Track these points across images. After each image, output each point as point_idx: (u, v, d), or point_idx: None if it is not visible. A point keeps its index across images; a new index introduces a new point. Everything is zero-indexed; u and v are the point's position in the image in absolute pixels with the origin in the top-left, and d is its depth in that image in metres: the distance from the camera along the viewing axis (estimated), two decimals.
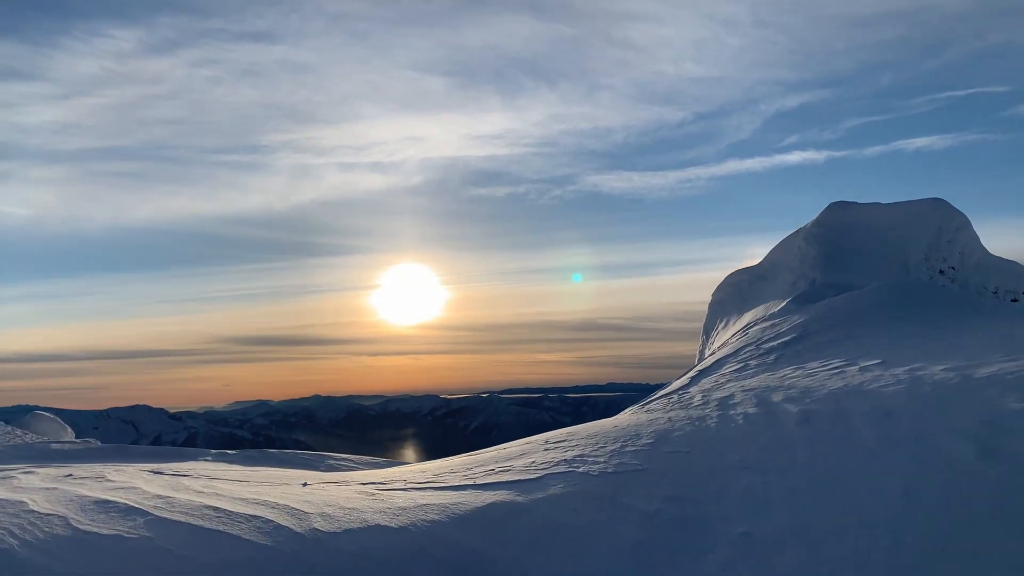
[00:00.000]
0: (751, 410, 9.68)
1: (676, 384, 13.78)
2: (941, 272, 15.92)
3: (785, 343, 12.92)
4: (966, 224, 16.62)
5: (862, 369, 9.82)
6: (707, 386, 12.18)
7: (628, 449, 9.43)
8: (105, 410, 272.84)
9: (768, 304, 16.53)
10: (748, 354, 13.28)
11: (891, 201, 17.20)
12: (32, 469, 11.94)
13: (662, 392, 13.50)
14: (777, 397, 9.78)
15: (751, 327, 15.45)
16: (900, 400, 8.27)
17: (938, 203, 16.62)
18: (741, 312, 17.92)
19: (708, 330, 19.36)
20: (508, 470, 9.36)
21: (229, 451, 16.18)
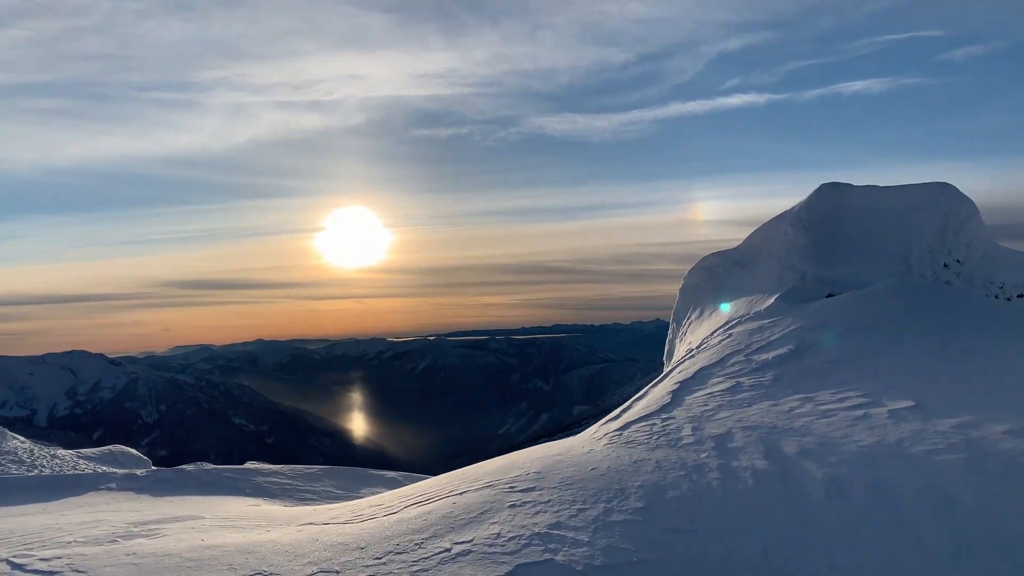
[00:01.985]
0: (760, 464, 8.02)
1: (655, 397, 12.09)
2: (945, 266, 14.44)
3: (782, 357, 11.26)
4: (974, 213, 15.10)
5: (893, 415, 8.20)
6: (695, 410, 10.51)
7: (616, 519, 7.71)
8: (41, 356, 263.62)
9: (751, 299, 14.86)
10: (738, 366, 11.62)
11: (887, 184, 15.60)
12: None
13: (640, 408, 11.80)
14: (791, 447, 8.13)
15: (734, 326, 13.79)
16: (959, 477, 6.66)
17: (945, 189, 15.06)
18: (718, 302, 16.26)
19: (679, 318, 17.71)
20: (468, 552, 7.55)
21: (138, 472, 14.06)
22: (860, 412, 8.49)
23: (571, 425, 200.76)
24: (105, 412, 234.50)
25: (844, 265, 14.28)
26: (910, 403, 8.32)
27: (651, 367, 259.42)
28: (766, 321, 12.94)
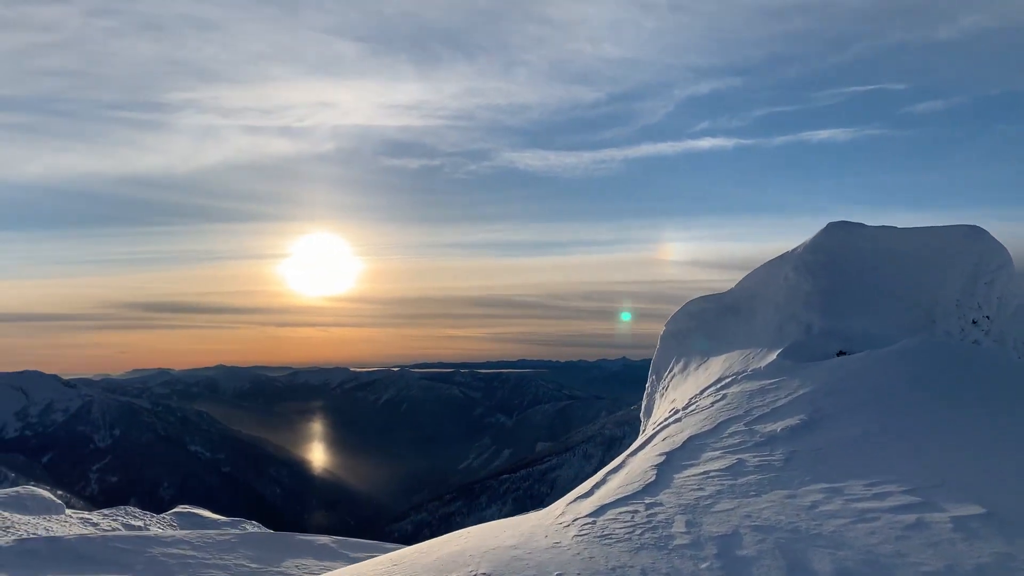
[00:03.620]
0: None
1: (636, 470, 9.99)
2: (974, 322, 12.63)
3: (792, 430, 9.25)
4: (1007, 262, 13.37)
5: (959, 525, 6.19)
6: (688, 495, 8.43)
7: None
8: None
9: (748, 352, 12.91)
10: (738, 438, 9.60)
11: (905, 225, 13.79)
12: None
13: (618, 484, 9.70)
14: (823, 565, 6.07)
15: (728, 384, 11.84)
16: None
17: (976, 233, 13.32)
18: (706, 354, 14.30)
19: (659, 370, 15.74)
20: None
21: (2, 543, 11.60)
22: (911, 517, 6.48)
23: (534, 462, 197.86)
24: (57, 435, 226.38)
25: (856, 317, 12.45)
26: (978, 509, 6.34)
27: (616, 405, 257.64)
28: (768, 382, 11.02)
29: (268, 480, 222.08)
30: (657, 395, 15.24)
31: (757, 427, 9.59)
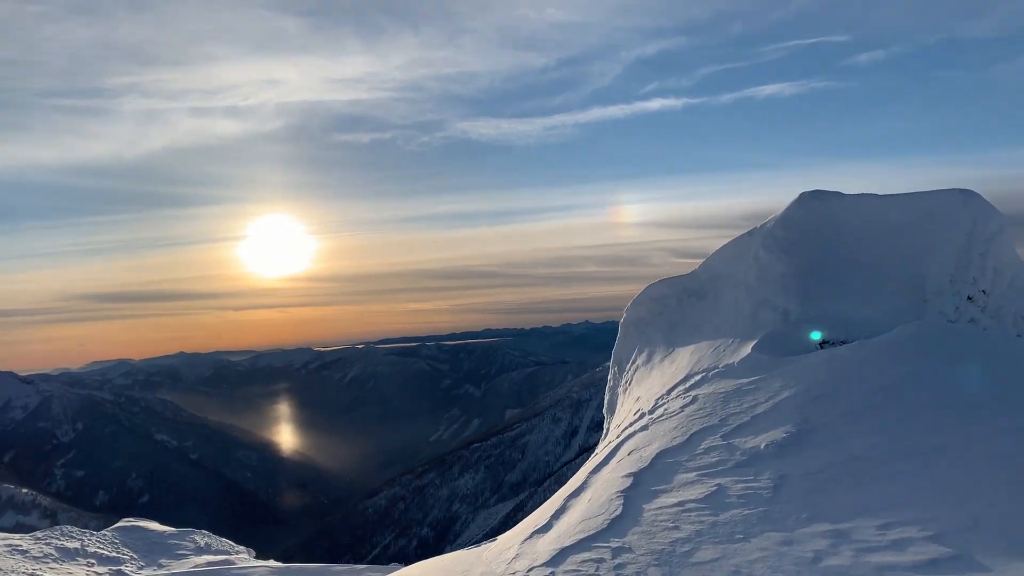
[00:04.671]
0: None
1: (599, 498, 8.57)
2: (969, 299, 11.34)
3: (778, 446, 7.86)
4: (1001, 228, 12.01)
5: None
6: (661, 538, 7.03)
7: None
8: None
9: (716, 344, 11.50)
10: (715, 456, 8.20)
11: (886, 191, 12.39)
12: None
13: (580, 517, 8.27)
14: None
15: (697, 383, 10.43)
16: None
17: (967, 197, 11.96)
18: (671, 344, 12.87)
19: (621, 361, 14.32)
20: None
21: None
22: None
23: (504, 429, 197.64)
24: (17, 433, 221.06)
25: (839, 300, 11.06)
26: None
27: (582, 368, 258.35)
28: (744, 381, 9.64)
29: (237, 465, 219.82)
30: (620, 390, 13.94)
31: (736, 441, 8.22)
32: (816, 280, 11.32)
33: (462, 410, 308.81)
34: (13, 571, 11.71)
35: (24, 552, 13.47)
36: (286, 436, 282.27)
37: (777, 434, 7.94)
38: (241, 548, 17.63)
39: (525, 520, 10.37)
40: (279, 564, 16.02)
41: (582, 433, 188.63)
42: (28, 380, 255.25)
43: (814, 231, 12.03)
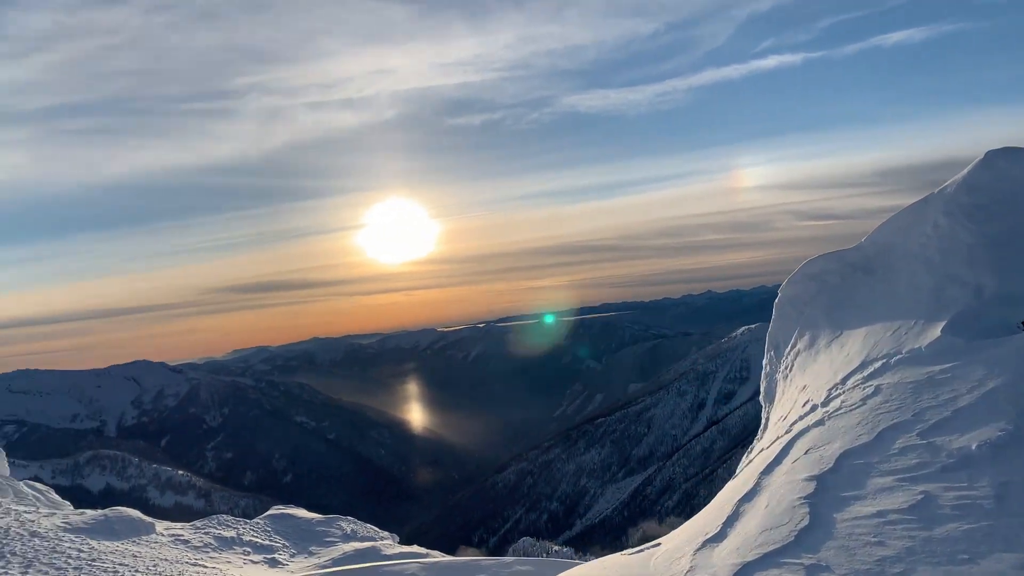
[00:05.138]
0: None
1: (777, 498, 7.84)
2: None
3: (993, 448, 6.84)
4: None
5: None
6: (864, 556, 6.25)
7: None
8: (106, 368, 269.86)
9: (895, 326, 10.39)
10: (913, 456, 7.27)
11: None
12: None
13: (759, 524, 7.58)
14: None
15: (879, 370, 9.42)
16: None
17: None
18: (837, 326, 11.77)
19: (778, 345, 13.27)
20: None
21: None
22: None
23: (628, 403, 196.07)
24: (171, 419, 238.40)
25: None
26: None
27: (706, 340, 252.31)
28: (935, 369, 8.60)
29: (372, 443, 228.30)
30: (779, 376, 13.02)
31: (938, 440, 7.29)
32: (1011, 251, 10.00)
33: (584, 385, 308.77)
34: (177, 561, 12.03)
35: (186, 542, 14.01)
36: (416, 414, 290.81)
37: (990, 432, 6.96)
38: (385, 534, 17.56)
39: (690, 523, 9.73)
40: (421, 550, 15.94)
41: (709, 406, 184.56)
42: (177, 370, 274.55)
43: (1006, 195, 10.62)
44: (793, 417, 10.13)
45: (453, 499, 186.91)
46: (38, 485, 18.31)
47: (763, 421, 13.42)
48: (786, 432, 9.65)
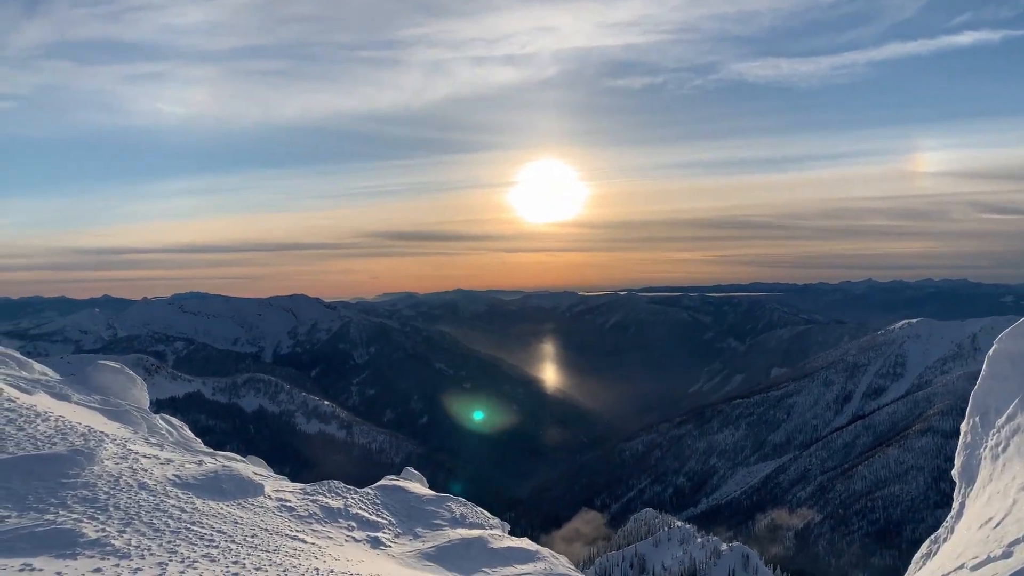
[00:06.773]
0: None
1: None
2: None
3: None
4: None
5: None
6: None
7: None
8: (267, 299, 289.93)
9: None
10: None
11: None
12: None
13: None
14: None
15: None
16: None
17: None
18: None
19: (985, 409, 11.68)
20: None
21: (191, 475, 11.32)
22: None
23: (769, 387, 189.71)
24: (322, 352, 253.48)
25: None
26: None
27: (860, 331, 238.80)
28: None
29: (505, 397, 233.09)
30: (984, 452, 11.10)
31: None
32: None
33: (724, 364, 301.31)
34: (277, 532, 11.77)
35: (291, 509, 13.34)
36: (550, 374, 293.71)
37: None
38: (495, 521, 16.86)
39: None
40: (531, 546, 14.72)
41: (856, 399, 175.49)
42: (331, 306, 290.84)
43: None
44: (1013, 534, 8.26)
45: (579, 460, 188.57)
46: (173, 420, 18.21)
47: (955, 506, 11.80)
48: (1002, 554, 7.82)
